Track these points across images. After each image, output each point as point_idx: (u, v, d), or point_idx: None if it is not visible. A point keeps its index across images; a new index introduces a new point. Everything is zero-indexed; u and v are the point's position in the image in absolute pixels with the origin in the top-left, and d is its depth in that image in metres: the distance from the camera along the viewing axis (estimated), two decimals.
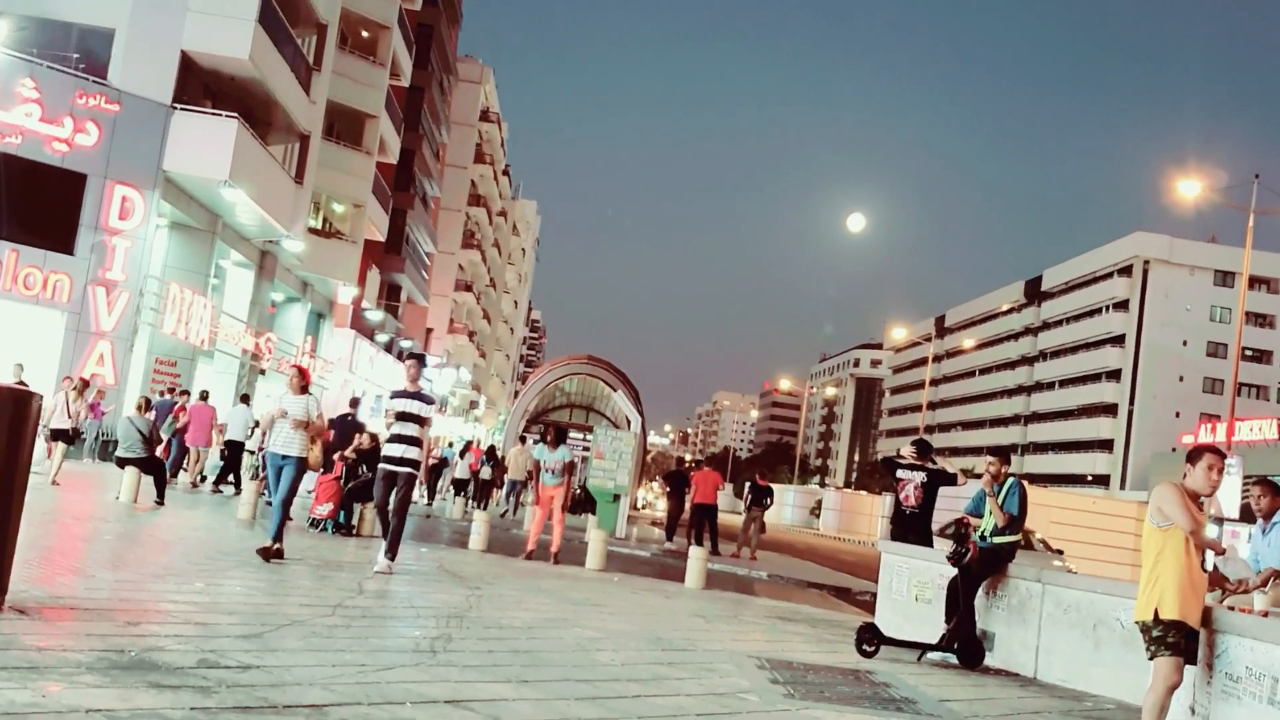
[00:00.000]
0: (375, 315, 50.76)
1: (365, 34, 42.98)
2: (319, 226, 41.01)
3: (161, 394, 23.27)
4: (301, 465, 11.60)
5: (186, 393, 21.83)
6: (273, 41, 29.63)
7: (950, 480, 12.25)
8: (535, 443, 22.80)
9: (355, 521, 15.61)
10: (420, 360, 11.67)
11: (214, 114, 27.47)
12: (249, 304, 34.86)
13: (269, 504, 12.97)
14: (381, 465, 11.57)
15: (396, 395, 11.59)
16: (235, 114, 27.79)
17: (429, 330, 68.92)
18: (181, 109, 27.00)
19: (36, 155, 24.39)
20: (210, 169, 27.25)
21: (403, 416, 11.35)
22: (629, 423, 28.65)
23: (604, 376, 33.65)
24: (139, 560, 10.28)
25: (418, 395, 11.48)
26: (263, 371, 36.29)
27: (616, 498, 24.56)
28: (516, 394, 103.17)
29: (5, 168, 23.95)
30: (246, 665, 5.91)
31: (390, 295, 55.82)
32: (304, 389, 11.97)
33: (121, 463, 16.00)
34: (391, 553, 11.46)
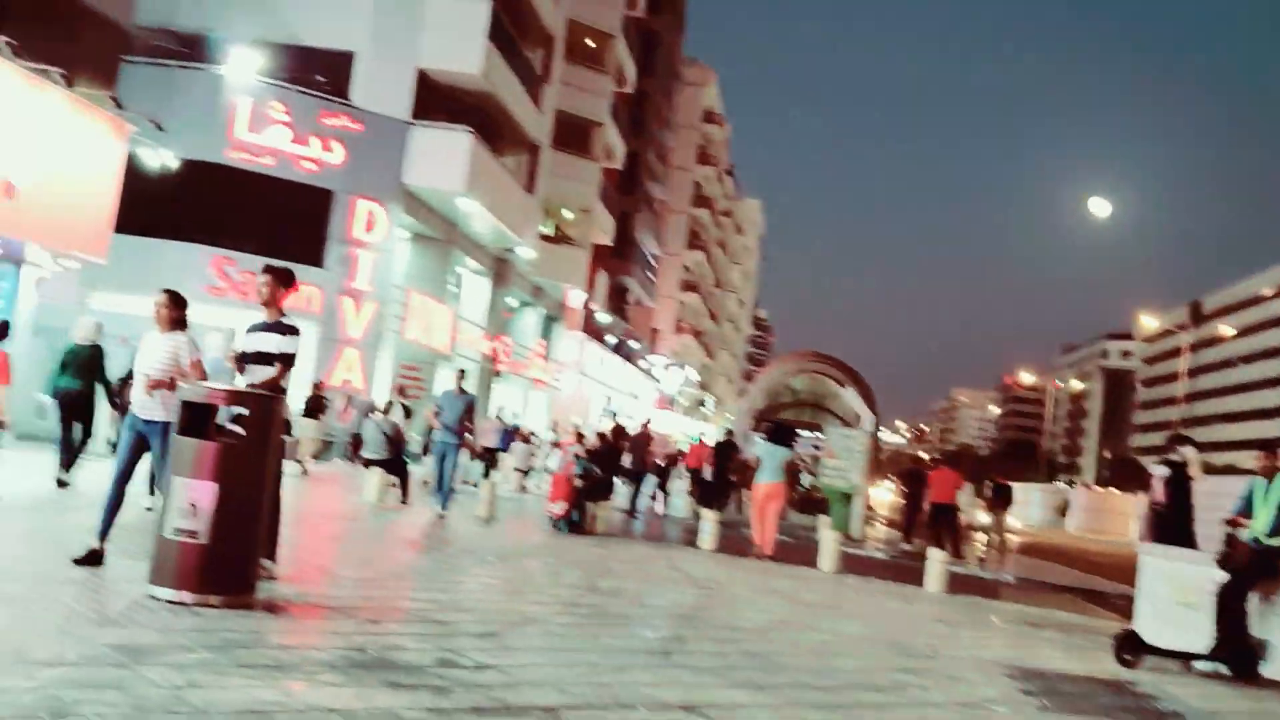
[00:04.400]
0: (604, 317, 51.61)
1: (590, 43, 43.75)
2: (549, 233, 41.99)
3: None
4: (166, 433, 7.42)
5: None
6: (503, 56, 30.48)
7: (1184, 476, 11.32)
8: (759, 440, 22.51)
9: (588, 519, 15.76)
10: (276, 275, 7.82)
11: (449, 128, 28.45)
12: (486, 310, 36.01)
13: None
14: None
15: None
16: (469, 128, 28.70)
17: (655, 330, 69.66)
18: (419, 125, 28.09)
19: (288, 174, 25.86)
20: (447, 182, 28.24)
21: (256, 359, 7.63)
22: (859, 420, 27.99)
23: (833, 373, 32.98)
24: (382, 559, 10.63)
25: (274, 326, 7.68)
26: (498, 373, 37.41)
27: (849, 497, 24.01)
28: (743, 393, 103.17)
29: (260, 187, 25.49)
30: (482, 665, 5.93)
31: (618, 297, 56.67)
32: (175, 323, 7.85)
33: (368, 463, 16.67)
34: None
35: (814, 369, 34.37)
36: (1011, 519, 27.56)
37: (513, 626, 7.39)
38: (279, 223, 25.93)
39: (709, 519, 15.81)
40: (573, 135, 42.20)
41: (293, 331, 7.63)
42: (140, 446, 7.71)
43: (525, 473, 25.10)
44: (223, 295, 24.61)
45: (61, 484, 11.85)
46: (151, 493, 10.52)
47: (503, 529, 14.84)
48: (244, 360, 7.62)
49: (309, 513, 13.97)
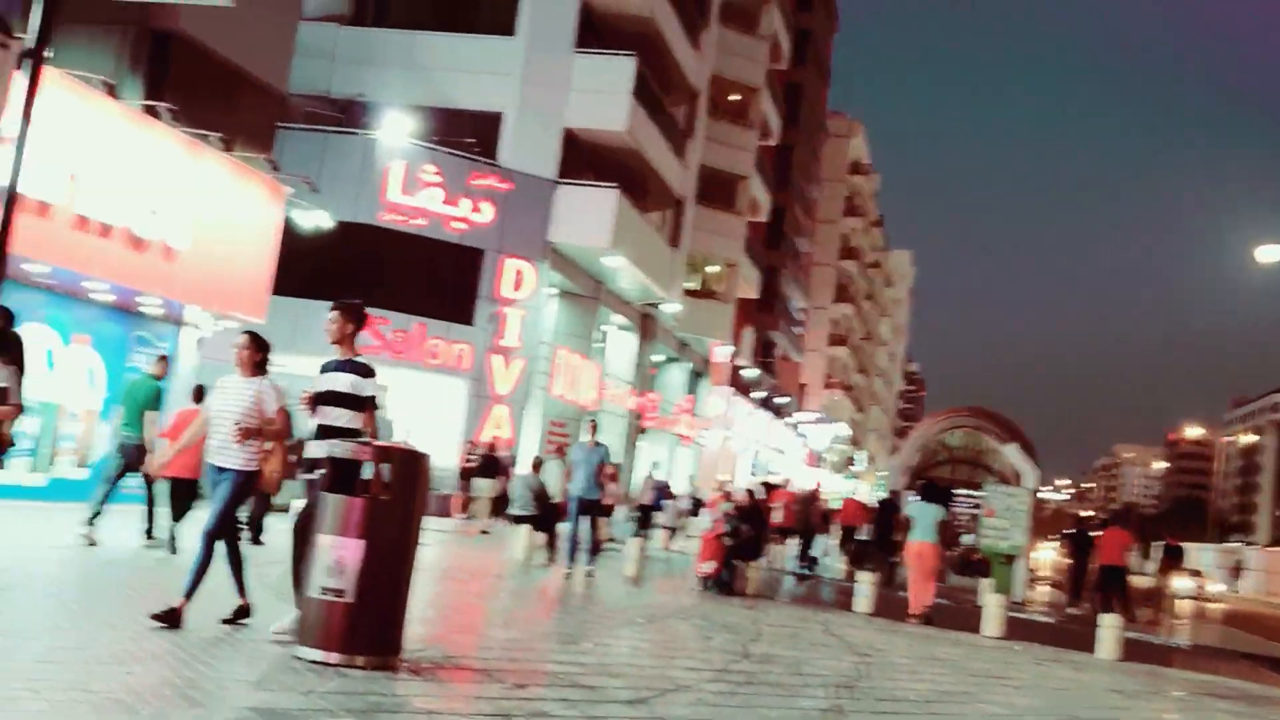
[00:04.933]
0: (751, 372, 51.19)
1: (735, 97, 43.82)
2: (694, 288, 41.94)
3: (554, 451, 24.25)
4: (243, 481, 7.32)
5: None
6: (648, 113, 30.66)
7: None
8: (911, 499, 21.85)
9: (738, 579, 15.37)
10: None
11: (596, 186, 28.68)
12: (631, 365, 36.01)
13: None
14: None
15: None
16: (614, 184, 28.88)
17: (803, 385, 68.83)
18: (565, 183, 28.39)
19: (439, 235, 26.37)
20: (594, 238, 28.42)
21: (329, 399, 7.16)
22: (1020, 478, 26.92)
23: (991, 429, 31.89)
24: (529, 619, 10.44)
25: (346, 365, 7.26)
26: (644, 430, 37.32)
27: (1011, 558, 23.05)
28: (894, 449, 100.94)
29: (412, 248, 26.05)
30: None
31: (764, 352, 56.21)
32: (257, 367, 7.51)
33: (515, 520, 16.62)
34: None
35: (970, 424, 33.28)
36: (1186, 581, 26.04)
37: (663, 694, 7.08)
38: (430, 282, 26.43)
39: (865, 581, 15.23)
40: (717, 190, 42.19)
41: (369, 373, 7.24)
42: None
43: (673, 531, 24.81)
44: (377, 354, 25.12)
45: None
46: (149, 536, 11.17)
47: (651, 589, 14.55)
48: (317, 401, 7.18)
49: (456, 571, 13.94)
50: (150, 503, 11.27)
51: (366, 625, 6.43)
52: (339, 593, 6.35)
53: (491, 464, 22.43)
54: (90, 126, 12.85)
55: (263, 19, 17.10)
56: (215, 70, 15.94)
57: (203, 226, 14.91)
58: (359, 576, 6.36)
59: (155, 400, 11.28)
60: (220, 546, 7.25)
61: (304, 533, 6.98)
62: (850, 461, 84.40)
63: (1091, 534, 21.80)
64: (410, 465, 6.78)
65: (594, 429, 15.18)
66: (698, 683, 7.74)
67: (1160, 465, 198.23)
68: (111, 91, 13.42)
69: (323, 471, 6.76)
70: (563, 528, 15.37)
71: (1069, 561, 23.79)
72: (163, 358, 12.02)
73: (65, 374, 14.18)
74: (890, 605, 15.30)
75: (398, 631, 6.67)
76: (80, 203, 12.71)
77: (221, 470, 7.27)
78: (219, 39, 15.71)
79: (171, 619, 6.88)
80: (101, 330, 14.69)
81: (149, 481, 11.18)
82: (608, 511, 20.56)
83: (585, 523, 14.41)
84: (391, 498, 6.57)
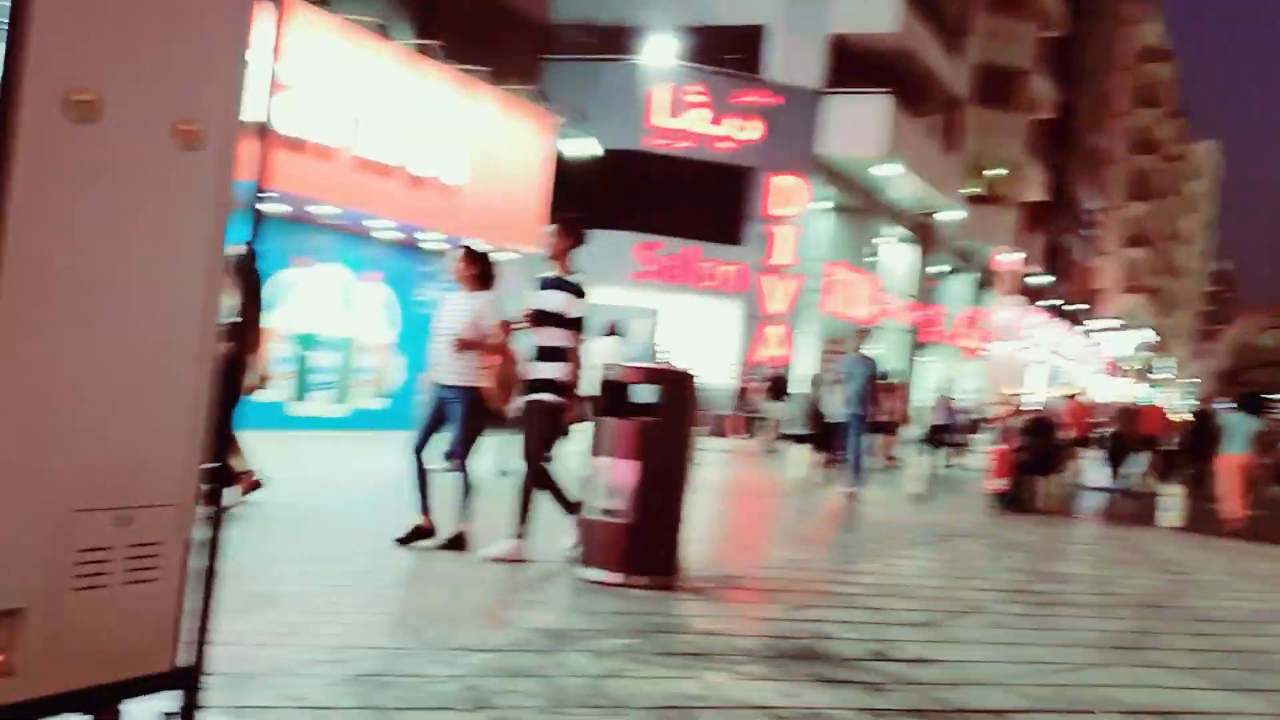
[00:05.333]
0: (1039, 279, 48.73)
1: None
2: (975, 193, 40.13)
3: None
4: (469, 399, 6.97)
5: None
6: (919, 11, 29.31)
7: None
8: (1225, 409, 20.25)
9: (1031, 496, 14.62)
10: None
11: (865, 93, 27.72)
12: (911, 278, 34.96)
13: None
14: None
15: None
16: (886, 89, 27.84)
17: (1098, 291, 64.96)
18: (834, 93, 27.58)
19: (705, 156, 26.23)
20: (865, 148, 27.55)
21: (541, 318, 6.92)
22: None
23: None
24: (809, 538, 10.25)
25: (557, 283, 6.99)
26: (925, 344, 36.22)
27: None
28: (1201, 354, 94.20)
29: (679, 171, 26.02)
30: (920, 659, 5.37)
31: (1055, 257, 53.29)
32: (476, 281, 7.13)
33: (794, 439, 16.41)
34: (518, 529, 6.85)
35: None
36: None
37: (952, 615, 6.74)
38: (699, 204, 26.36)
39: (1172, 494, 14.17)
40: (996, 88, 40.00)
41: (579, 293, 6.88)
42: (441, 414, 6.99)
43: (960, 448, 23.96)
44: (648, 280, 25.37)
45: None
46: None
47: (938, 507, 14.03)
48: (530, 319, 6.93)
49: (734, 491, 13.91)
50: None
51: (645, 546, 6.42)
52: (617, 513, 6.36)
53: (780, 384, 22.35)
54: (367, 70, 13.38)
55: None
56: (480, 5, 16.25)
57: (477, 162, 15.32)
58: (635, 497, 6.34)
59: None
60: (424, 463, 6.99)
61: (534, 459, 6.81)
62: (1151, 369, 79.40)
63: None
64: (678, 386, 6.69)
65: (861, 338, 13.99)
66: (990, 603, 7.35)
67: None
68: (384, 33, 13.88)
69: (542, 395, 6.72)
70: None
71: None
72: None
73: (359, 310, 14.98)
74: (1200, 520, 14.20)
75: (676, 552, 6.62)
76: (361, 145, 13.28)
77: (447, 389, 6.98)
78: None
79: (457, 543, 6.92)
80: (390, 267, 15.41)
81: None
82: (891, 429, 20.03)
83: (859, 440, 13.52)
84: (662, 419, 6.49)
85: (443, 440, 7.03)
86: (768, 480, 15.77)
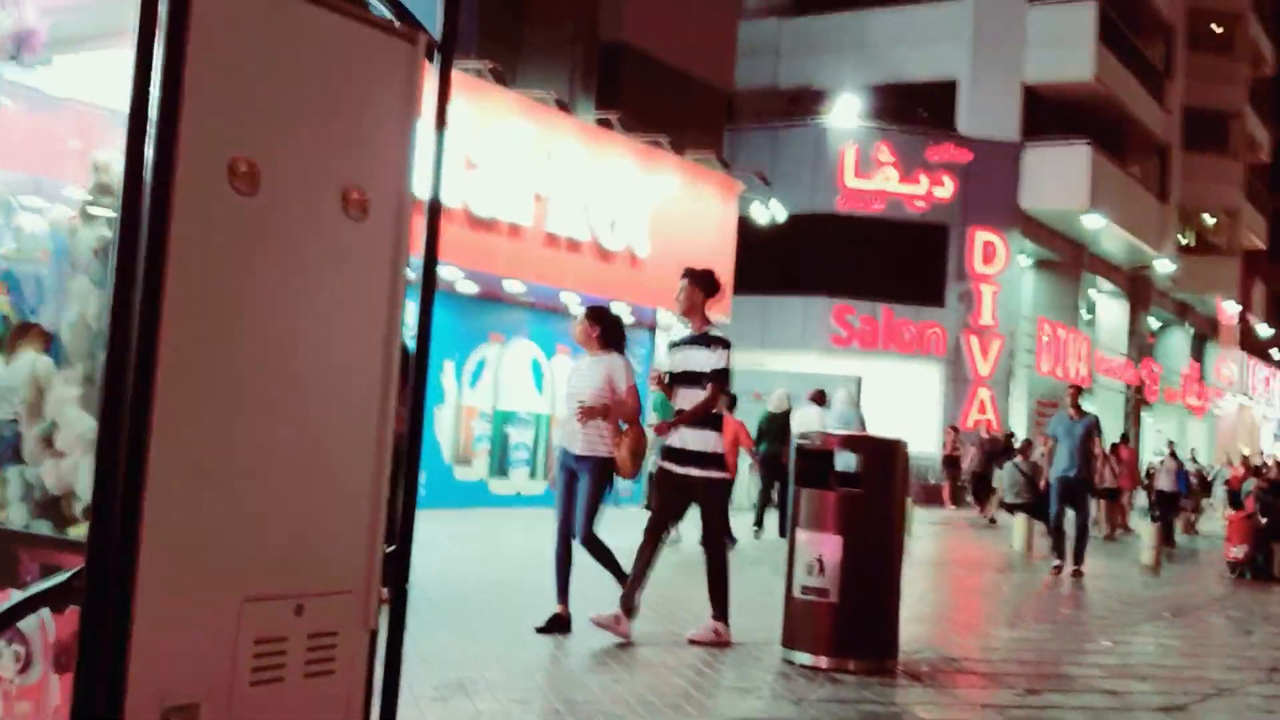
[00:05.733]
0: (1266, 330, 45.71)
1: (1217, 27, 39.36)
2: (1190, 243, 38.08)
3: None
4: (600, 471, 6.54)
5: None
6: (1117, 55, 28.21)
7: None
8: None
9: (1274, 563, 13.37)
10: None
11: (1065, 143, 26.74)
12: (1125, 334, 33.29)
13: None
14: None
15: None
16: (1086, 138, 26.77)
17: None
18: (1031, 144, 26.68)
19: (899, 215, 25.64)
20: (1068, 200, 26.49)
21: (683, 379, 6.56)
22: None
23: None
24: (1035, 615, 9.53)
25: (695, 339, 6.62)
26: (1146, 403, 34.29)
27: None
28: None
29: (873, 232, 25.48)
30: None
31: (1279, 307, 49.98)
32: (606, 343, 6.68)
33: (1011, 509, 15.59)
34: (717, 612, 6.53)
35: None
36: None
37: (1203, 699, 6.06)
38: (894, 265, 25.72)
39: None
40: (1206, 131, 38.04)
41: (722, 345, 6.43)
42: (572, 487, 6.54)
43: (1195, 514, 22.39)
44: (846, 345, 24.83)
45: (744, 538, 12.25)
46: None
47: (1173, 578, 13.01)
48: (672, 382, 6.51)
49: (950, 564, 13.24)
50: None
51: (855, 626, 6.02)
52: (821, 592, 5.97)
53: (996, 449, 21.42)
54: (550, 146, 13.57)
55: (704, 20, 17.35)
56: (662, 76, 16.36)
57: (662, 231, 15.30)
58: (840, 574, 5.93)
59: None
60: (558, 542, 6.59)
61: (655, 531, 6.45)
62: None
63: None
64: (883, 454, 6.28)
65: (1075, 395, 12.59)
66: (1242, 685, 6.58)
67: None
68: (565, 108, 14.08)
69: (711, 473, 6.39)
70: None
71: None
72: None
73: (552, 385, 15.03)
74: None
75: (891, 632, 6.17)
76: (549, 221, 13.44)
77: (577, 459, 6.52)
78: (664, 46, 16.11)
79: (556, 626, 6.43)
80: None
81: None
82: (1118, 495, 18.79)
83: (1075, 508, 12.20)
84: (866, 489, 6.09)
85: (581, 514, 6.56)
86: (987, 552, 14.95)
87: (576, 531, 6.49)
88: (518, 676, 5.46)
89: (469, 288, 13.36)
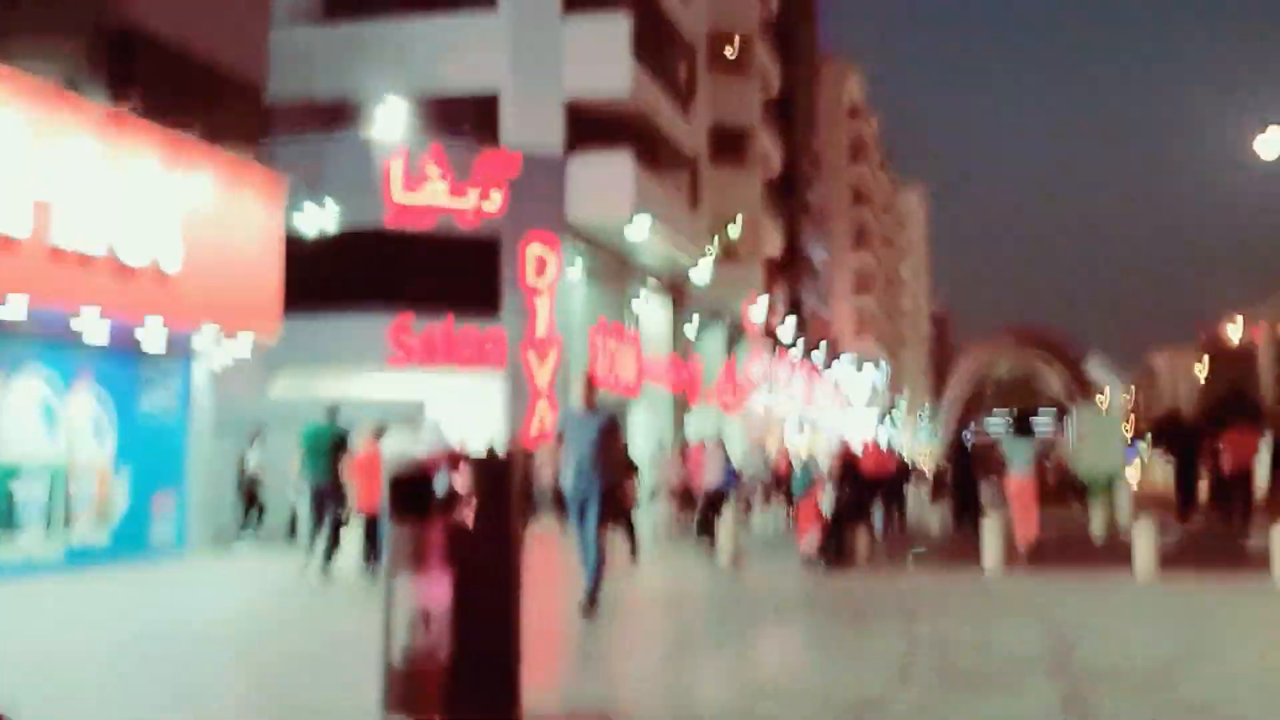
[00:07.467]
0: (785, 331, 49.58)
1: (730, 50, 42.08)
2: (720, 251, 40.33)
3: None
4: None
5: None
6: (650, 73, 28.98)
7: None
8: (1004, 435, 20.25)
9: (849, 550, 13.65)
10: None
11: (607, 154, 27.03)
12: (669, 339, 34.53)
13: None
14: None
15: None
16: (628, 150, 27.27)
17: (834, 340, 67.10)
18: (575, 157, 26.75)
19: (450, 231, 24.71)
20: (612, 210, 26.79)
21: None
22: (1080, 396, 25.27)
23: (1038, 353, 30.38)
24: (636, 641, 8.88)
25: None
26: (689, 406, 35.73)
27: (1110, 482, 21.37)
28: (934, 389, 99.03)
29: (426, 246, 24.38)
30: None
31: (794, 308, 54.56)
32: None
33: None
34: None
35: (1016, 351, 31.89)
36: None
37: (852, 712, 5.53)
38: (450, 281, 24.76)
39: (991, 530, 13.47)
40: (728, 147, 40.55)
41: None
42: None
43: (750, 507, 23.15)
44: (404, 364, 23.61)
45: None
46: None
47: (754, 576, 12.87)
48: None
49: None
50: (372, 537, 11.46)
51: (468, 683, 4.90)
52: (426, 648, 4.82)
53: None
54: (54, 141, 11.22)
55: (232, 10, 15.41)
56: (186, 69, 14.19)
57: (195, 239, 13.19)
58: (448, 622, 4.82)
59: (343, 443, 12.11)
60: None
61: None
62: (892, 407, 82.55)
63: (1202, 434, 20.06)
64: (494, 474, 5.24)
65: (588, 387, 9.64)
66: (885, 691, 6.14)
67: (1199, 367, 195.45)
68: (71, 94, 11.70)
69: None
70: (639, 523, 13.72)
71: (1175, 471, 21.64)
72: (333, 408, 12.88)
73: (69, 430, 12.59)
74: (1011, 553, 13.73)
75: (513, 685, 5.12)
76: (54, 232, 11.09)
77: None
78: (189, 35, 14.06)
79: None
80: (102, 375, 13.07)
81: (339, 521, 12.06)
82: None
83: (589, 525, 9.08)
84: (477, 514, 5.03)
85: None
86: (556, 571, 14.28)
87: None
88: None
89: None
